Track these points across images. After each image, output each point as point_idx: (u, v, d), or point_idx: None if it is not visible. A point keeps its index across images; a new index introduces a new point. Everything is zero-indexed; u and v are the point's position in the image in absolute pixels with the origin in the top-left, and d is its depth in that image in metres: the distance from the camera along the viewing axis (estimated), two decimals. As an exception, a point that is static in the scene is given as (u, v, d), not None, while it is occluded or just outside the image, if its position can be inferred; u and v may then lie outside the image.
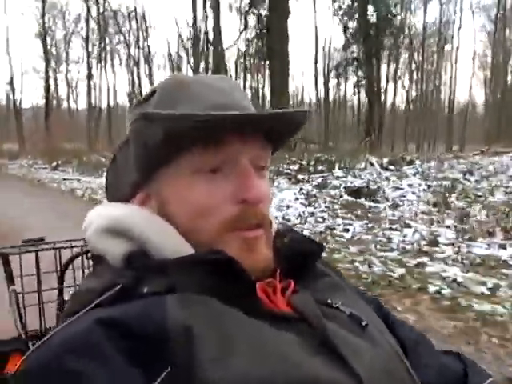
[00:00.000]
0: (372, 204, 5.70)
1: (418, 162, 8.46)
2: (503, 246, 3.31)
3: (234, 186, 0.50)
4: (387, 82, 26.45)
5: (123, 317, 0.41)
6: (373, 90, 14.77)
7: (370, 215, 5.16)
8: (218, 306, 0.44)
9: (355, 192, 6.10)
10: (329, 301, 0.52)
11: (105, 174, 0.63)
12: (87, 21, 27.73)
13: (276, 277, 0.52)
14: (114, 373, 0.37)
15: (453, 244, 3.47)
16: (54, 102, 33.98)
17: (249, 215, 0.50)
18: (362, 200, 5.87)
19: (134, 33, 27.48)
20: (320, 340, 0.45)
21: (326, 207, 5.61)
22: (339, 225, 4.74)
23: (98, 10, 26.94)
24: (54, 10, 29.80)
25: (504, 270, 2.92)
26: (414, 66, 28.80)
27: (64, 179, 10.36)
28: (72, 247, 1.02)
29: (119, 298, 0.45)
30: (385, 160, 8.38)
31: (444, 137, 29.08)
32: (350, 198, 5.94)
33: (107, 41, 28.72)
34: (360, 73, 15.74)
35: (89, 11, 27.01)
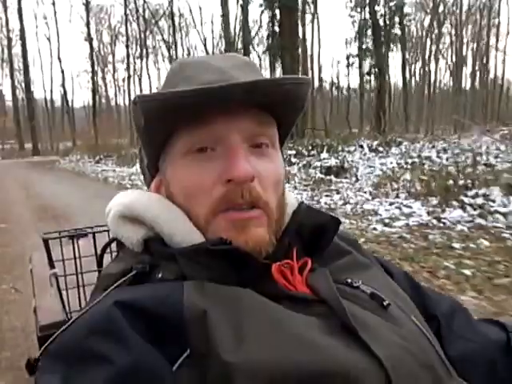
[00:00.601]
0: (338, 180, 6.80)
1: (405, 143, 9.31)
2: (391, 203, 4.43)
3: (222, 166, 0.48)
4: (428, 62, 26.19)
5: (141, 299, 0.42)
6: (383, 78, 15.41)
7: (330, 187, 6.28)
8: (233, 291, 0.44)
9: (328, 170, 7.22)
10: (348, 280, 0.51)
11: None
12: (126, 22, 29.62)
13: (293, 257, 0.51)
14: (135, 355, 0.38)
15: (356, 203, 4.67)
16: (104, 100, 36.70)
17: (235, 195, 0.48)
18: (332, 177, 6.98)
19: (171, 31, 28.63)
20: (339, 322, 0.44)
21: (298, 183, 6.79)
22: (296, 194, 5.94)
23: (137, 11, 28.74)
24: (101, 13, 32.05)
25: (369, 217, 4.12)
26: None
27: (102, 170, 12.22)
28: (108, 231, 1.03)
29: (135, 282, 0.47)
30: (375, 142, 9.32)
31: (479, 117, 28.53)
32: (322, 176, 7.06)
33: (149, 39, 30.32)
34: (371, 61, 16.41)
35: (125, 13, 28.82)
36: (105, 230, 1.06)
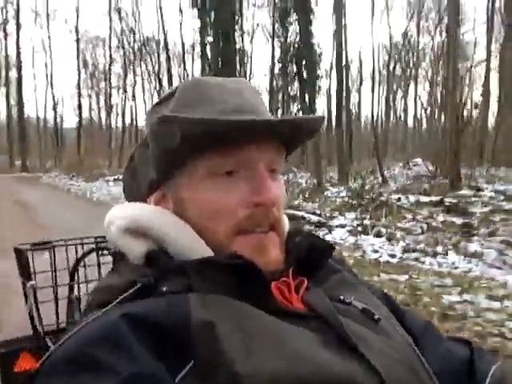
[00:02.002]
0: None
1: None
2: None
3: (249, 190, 0.52)
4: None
5: (147, 312, 0.43)
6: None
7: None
8: (237, 306, 0.45)
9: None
10: (341, 297, 0.54)
11: (122, 176, 0.66)
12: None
13: (289, 276, 0.54)
14: (139, 367, 0.38)
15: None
16: (97, 121, 39.18)
17: (261, 218, 0.52)
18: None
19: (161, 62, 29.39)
20: (336, 336, 0.46)
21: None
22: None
23: (129, 42, 31.33)
24: (95, 40, 34.73)
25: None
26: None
27: (70, 184, 16.43)
28: (83, 244, 1.05)
29: (140, 295, 0.46)
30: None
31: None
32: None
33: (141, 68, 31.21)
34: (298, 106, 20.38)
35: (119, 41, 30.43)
36: (79, 244, 1.05)
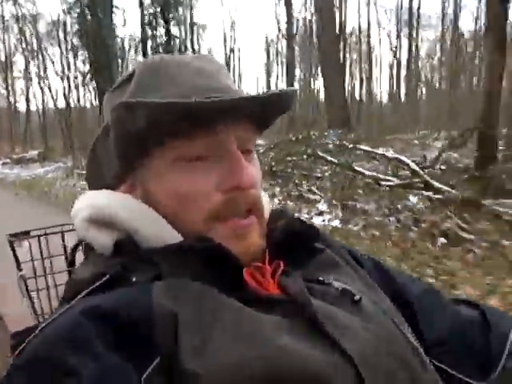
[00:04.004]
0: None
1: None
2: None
3: (224, 173, 0.49)
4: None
5: (110, 306, 0.41)
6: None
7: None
8: (203, 293, 0.44)
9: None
10: (320, 278, 0.52)
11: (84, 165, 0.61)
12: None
13: (265, 260, 0.52)
14: (103, 365, 0.37)
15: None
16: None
17: (239, 202, 0.49)
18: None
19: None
20: (307, 320, 0.44)
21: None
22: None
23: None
24: None
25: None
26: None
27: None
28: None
29: (108, 287, 0.45)
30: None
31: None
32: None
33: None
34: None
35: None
36: (74, 229, 0.99)
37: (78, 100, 26.65)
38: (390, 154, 5.76)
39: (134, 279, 0.46)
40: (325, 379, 0.39)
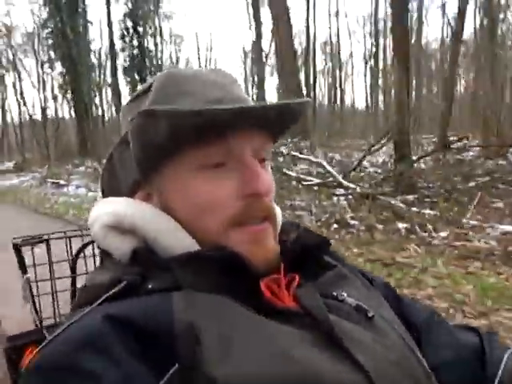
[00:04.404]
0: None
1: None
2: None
3: (239, 181, 0.50)
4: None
5: (131, 313, 0.42)
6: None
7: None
8: (222, 304, 0.44)
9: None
10: (334, 293, 0.52)
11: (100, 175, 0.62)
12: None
13: (280, 272, 0.52)
14: (123, 371, 0.37)
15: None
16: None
17: (256, 209, 0.50)
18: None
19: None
20: (324, 334, 0.44)
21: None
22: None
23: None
24: None
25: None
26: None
27: None
28: (82, 236, 1.04)
29: (125, 294, 0.45)
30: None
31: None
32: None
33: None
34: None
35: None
36: (78, 235, 1.05)
37: (56, 111, 27.27)
38: (313, 158, 6.65)
39: (150, 286, 0.46)
40: None
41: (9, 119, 32.66)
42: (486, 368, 0.56)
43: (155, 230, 0.50)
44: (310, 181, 5.98)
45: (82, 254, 1.01)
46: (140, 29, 21.91)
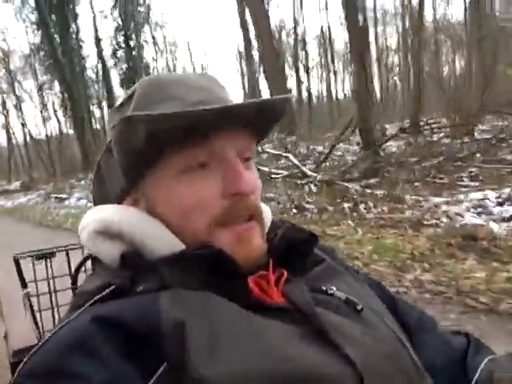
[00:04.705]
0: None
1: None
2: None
3: (223, 181, 0.50)
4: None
5: (119, 314, 0.42)
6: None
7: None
8: (209, 301, 0.45)
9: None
10: (323, 287, 0.53)
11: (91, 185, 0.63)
12: None
13: (269, 268, 0.52)
14: (111, 373, 0.38)
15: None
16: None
17: (240, 208, 0.51)
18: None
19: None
20: (312, 328, 0.45)
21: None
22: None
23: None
24: None
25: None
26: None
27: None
28: (83, 248, 1.02)
29: (114, 297, 0.46)
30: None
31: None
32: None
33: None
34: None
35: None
36: (78, 248, 1.05)
37: (60, 127, 28.05)
38: (284, 153, 7.21)
39: (138, 289, 0.46)
40: (330, 383, 0.41)
41: (14, 140, 33.87)
42: (466, 373, 0.57)
43: (142, 233, 0.50)
44: (280, 174, 6.53)
45: (83, 268, 1.01)
46: (132, 42, 22.58)
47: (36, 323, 1.01)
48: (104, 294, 0.46)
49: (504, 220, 3.37)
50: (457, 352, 0.60)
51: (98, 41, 21.56)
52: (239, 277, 0.48)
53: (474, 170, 5.74)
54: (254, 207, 0.53)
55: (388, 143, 7.61)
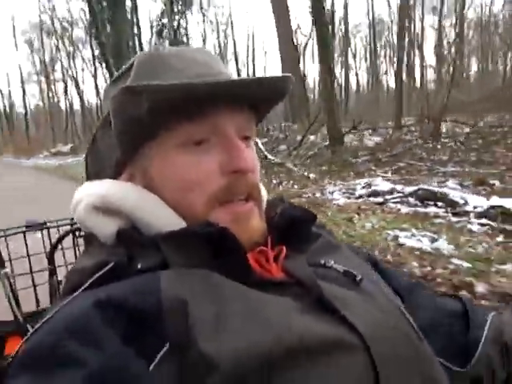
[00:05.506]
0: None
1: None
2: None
3: (222, 157, 0.50)
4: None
5: (119, 296, 0.41)
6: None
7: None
8: (211, 279, 0.44)
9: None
10: (322, 261, 0.53)
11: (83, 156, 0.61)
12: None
13: (268, 245, 0.53)
14: (110, 357, 0.37)
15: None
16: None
17: (238, 185, 0.50)
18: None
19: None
20: (315, 300, 0.45)
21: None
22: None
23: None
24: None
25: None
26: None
27: (15, 161, 23.00)
28: (58, 226, 1.06)
29: (113, 276, 0.45)
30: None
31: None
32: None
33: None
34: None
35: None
36: (55, 226, 1.06)
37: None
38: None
39: (138, 266, 0.46)
40: (335, 352, 0.41)
41: (69, 107, 37.11)
42: (469, 330, 0.58)
43: (139, 208, 0.50)
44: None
45: (59, 246, 1.01)
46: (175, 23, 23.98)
47: (16, 301, 1.01)
48: (102, 272, 0.46)
49: (352, 198, 4.80)
50: (454, 313, 0.61)
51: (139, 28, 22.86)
52: (239, 253, 0.47)
53: (402, 165, 7.03)
54: (253, 186, 0.53)
55: (368, 138, 8.98)
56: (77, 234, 1.06)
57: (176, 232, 0.48)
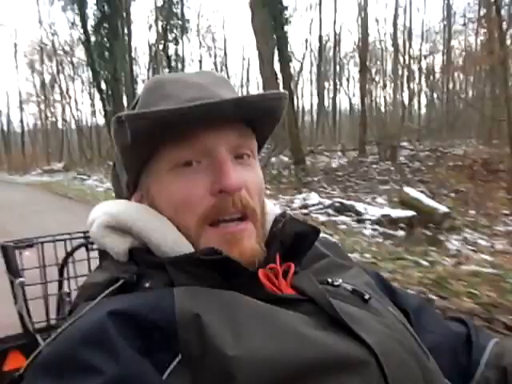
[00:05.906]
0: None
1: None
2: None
3: (211, 178, 0.51)
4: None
5: (132, 308, 0.43)
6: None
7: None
8: (224, 295, 0.46)
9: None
10: (329, 280, 0.54)
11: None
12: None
13: (276, 262, 0.54)
14: (125, 366, 0.38)
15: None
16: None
17: (226, 205, 0.51)
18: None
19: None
20: (327, 316, 0.46)
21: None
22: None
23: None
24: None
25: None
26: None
27: (9, 177, 23.75)
28: (71, 239, 1.06)
29: (122, 292, 0.47)
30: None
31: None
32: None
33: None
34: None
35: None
36: (68, 239, 1.06)
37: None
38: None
39: (146, 285, 0.48)
40: (348, 367, 0.42)
41: (65, 127, 37.91)
42: (471, 353, 0.60)
43: (149, 229, 0.52)
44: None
45: (71, 259, 1.03)
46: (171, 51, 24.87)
47: (28, 313, 1.02)
48: (113, 288, 0.47)
49: (288, 209, 5.67)
50: (458, 335, 0.63)
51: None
52: (248, 274, 0.49)
53: (349, 184, 7.94)
54: (244, 205, 0.52)
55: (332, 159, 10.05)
56: (90, 246, 1.09)
57: (181, 258, 0.49)
